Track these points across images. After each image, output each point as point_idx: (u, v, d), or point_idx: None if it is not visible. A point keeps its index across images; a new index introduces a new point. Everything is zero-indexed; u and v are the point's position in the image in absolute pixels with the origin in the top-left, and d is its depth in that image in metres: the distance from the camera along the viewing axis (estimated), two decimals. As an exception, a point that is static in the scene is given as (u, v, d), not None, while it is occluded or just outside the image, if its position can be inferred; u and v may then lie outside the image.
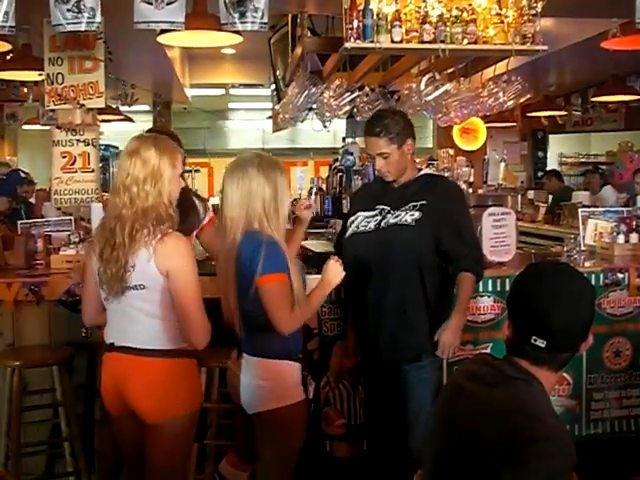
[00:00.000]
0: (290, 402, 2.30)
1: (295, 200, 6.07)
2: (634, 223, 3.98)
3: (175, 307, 2.17)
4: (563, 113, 8.54)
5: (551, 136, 9.91)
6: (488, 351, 3.31)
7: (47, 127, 4.25)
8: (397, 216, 2.69)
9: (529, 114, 8.45)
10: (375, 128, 2.67)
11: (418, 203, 2.68)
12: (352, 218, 2.82)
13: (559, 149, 10.32)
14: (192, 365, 2.29)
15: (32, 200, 6.40)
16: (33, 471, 3.22)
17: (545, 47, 3.45)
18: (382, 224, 2.71)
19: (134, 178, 2.17)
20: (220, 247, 2.34)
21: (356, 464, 3.23)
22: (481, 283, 3.30)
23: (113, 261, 2.16)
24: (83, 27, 2.77)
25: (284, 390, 2.31)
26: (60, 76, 3.98)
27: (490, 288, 3.37)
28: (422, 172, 2.83)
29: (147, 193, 2.16)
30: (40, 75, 4.17)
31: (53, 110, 4.07)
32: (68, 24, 2.76)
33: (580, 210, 4.32)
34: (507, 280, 3.35)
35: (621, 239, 3.90)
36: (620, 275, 3.49)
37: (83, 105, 3.98)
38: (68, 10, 2.73)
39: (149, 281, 2.16)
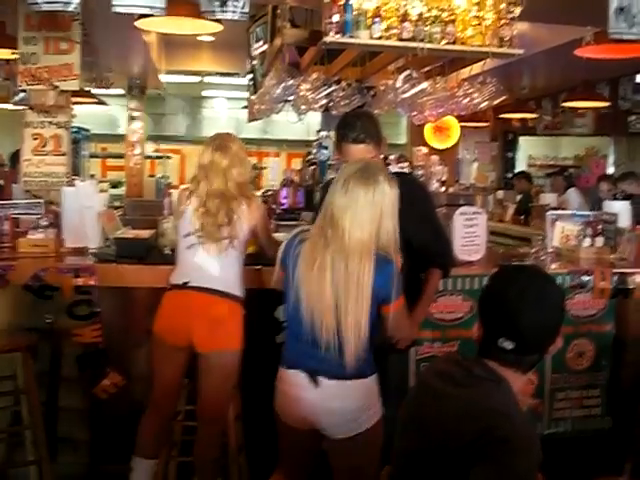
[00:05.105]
0: (379, 415, 2.24)
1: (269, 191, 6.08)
2: (600, 227, 4.06)
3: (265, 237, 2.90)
4: (534, 116, 8.65)
5: (521, 138, 10.02)
6: (456, 349, 3.36)
7: (18, 107, 4.16)
8: None
9: (501, 115, 8.54)
10: (359, 135, 2.61)
11: None
12: None
13: (529, 151, 10.44)
14: (242, 312, 2.78)
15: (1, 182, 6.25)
16: (-7, 459, 3.17)
17: (521, 51, 3.50)
18: None
19: (225, 165, 2.78)
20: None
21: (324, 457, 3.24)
22: (450, 282, 3.34)
23: (213, 223, 2.72)
24: (59, 7, 2.71)
25: (377, 405, 2.24)
26: (34, 56, 3.89)
27: (459, 287, 3.40)
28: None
29: (237, 173, 2.79)
30: (14, 54, 4.07)
31: (24, 90, 3.98)
32: (44, 3, 2.69)
33: (548, 213, 4.39)
34: (476, 279, 3.39)
35: (587, 242, 3.98)
36: (585, 278, 3.57)
37: (57, 87, 3.91)
38: (45, -11, 2.67)
39: (240, 234, 2.74)
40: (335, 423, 2.18)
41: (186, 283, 2.75)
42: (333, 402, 2.16)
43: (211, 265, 2.76)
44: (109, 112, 10.39)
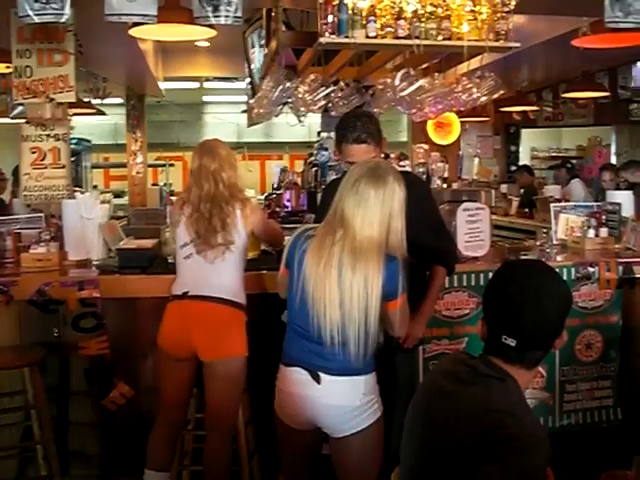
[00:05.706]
0: (380, 412, 2.23)
1: (271, 195, 6.07)
2: (604, 218, 4.04)
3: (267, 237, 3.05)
4: (535, 108, 8.62)
5: (523, 130, 9.98)
6: (463, 346, 3.34)
7: (16, 121, 4.15)
8: None
9: (502, 109, 8.51)
10: (360, 135, 2.60)
11: None
12: None
13: (531, 143, 10.41)
14: (244, 318, 2.76)
15: (3, 196, 6.25)
16: (4, 475, 3.15)
17: (518, 44, 3.48)
18: None
19: (214, 168, 2.78)
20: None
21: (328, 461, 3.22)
22: (456, 278, 3.33)
23: (208, 229, 2.71)
24: (52, 18, 2.70)
25: (378, 402, 2.22)
26: (29, 69, 3.87)
27: (465, 283, 3.39)
28: None
29: (226, 177, 2.78)
30: (8, 68, 4.06)
31: (22, 104, 3.97)
32: (36, 15, 2.69)
33: (552, 205, 4.36)
34: (482, 275, 3.38)
35: (591, 233, 3.95)
36: (591, 269, 3.54)
37: (53, 99, 3.89)
38: (36, 1, 2.66)
39: (236, 239, 2.72)
40: (336, 421, 2.17)
41: (185, 293, 2.75)
42: (334, 399, 2.15)
43: (209, 273, 2.74)
44: (110, 122, 10.41)
